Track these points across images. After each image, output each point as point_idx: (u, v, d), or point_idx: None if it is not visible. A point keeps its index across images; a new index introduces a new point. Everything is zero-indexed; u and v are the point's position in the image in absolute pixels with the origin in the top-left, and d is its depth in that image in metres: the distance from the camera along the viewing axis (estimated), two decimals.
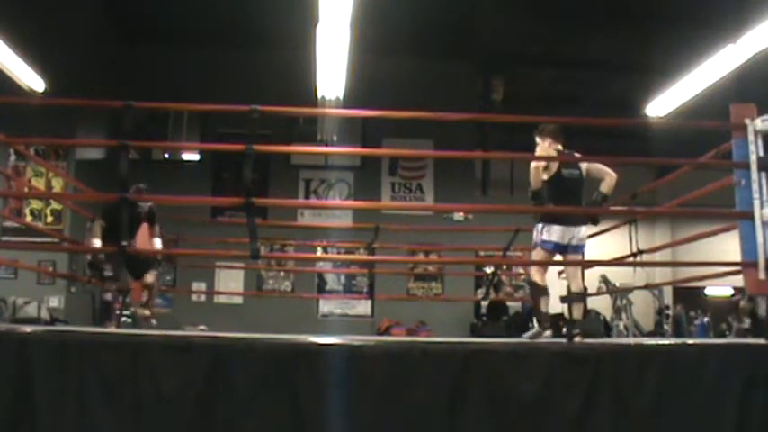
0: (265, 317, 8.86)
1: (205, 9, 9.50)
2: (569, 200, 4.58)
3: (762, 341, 3.65)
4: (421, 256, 10.07)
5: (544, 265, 4.71)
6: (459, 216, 10.80)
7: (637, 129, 12.42)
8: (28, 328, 3.69)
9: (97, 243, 5.68)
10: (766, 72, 8.29)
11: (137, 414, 3.11)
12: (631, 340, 6.34)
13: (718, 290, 14.93)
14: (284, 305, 10.16)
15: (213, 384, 3.14)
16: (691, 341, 4.31)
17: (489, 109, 10.93)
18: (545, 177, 4.64)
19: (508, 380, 3.28)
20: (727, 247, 4.63)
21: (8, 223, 8.31)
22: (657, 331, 11.12)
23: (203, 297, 10.31)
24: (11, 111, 6.58)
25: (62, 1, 8.48)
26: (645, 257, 5.95)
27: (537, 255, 4.62)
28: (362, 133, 10.88)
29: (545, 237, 4.53)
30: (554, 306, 6.45)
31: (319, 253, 10.17)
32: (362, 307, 10.75)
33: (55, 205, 8.97)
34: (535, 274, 4.66)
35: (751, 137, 4.03)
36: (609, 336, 7.81)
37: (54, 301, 8.58)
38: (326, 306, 10.90)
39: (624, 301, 8.51)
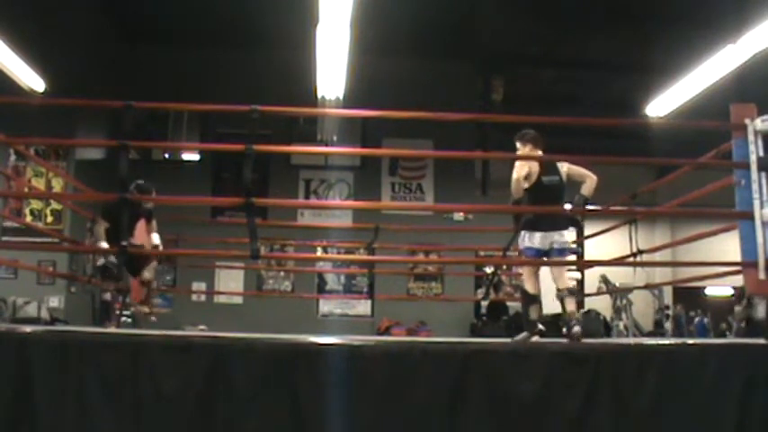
0: (265, 317, 8.87)
1: (205, 9, 9.50)
2: (550, 205, 4.66)
3: (762, 341, 3.65)
4: (421, 256, 10.07)
5: (535, 267, 4.75)
6: (459, 216, 10.80)
7: (637, 129, 12.42)
8: (28, 328, 3.69)
9: (104, 246, 5.65)
10: (766, 72, 8.29)
11: (137, 414, 3.11)
12: (631, 340, 6.34)
13: (718, 290, 14.93)
14: (284, 305, 10.16)
15: (213, 384, 3.14)
16: (691, 341, 4.31)
17: (489, 109, 10.92)
18: (526, 186, 4.69)
19: (508, 380, 3.28)
20: (727, 247, 4.63)
21: (8, 223, 8.31)
22: (657, 331, 11.12)
23: (203, 297, 10.31)
24: (11, 111, 6.58)
25: (62, 1, 8.48)
26: (645, 257, 5.95)
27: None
28: (362, 133, 10.88)
29: (527, 243, 4.61)
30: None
31: (319, 253, 10.17)
32: (362, 307, 10.75)
33: (55, 205, 8.97)
34: (527, 281, 4.70)
35: (751, 137, 4.03)
36: (609, 336, 7.81)
37: (54, 301, 8.58)
38: (326, 306, 10.90)
39: (624, 301, 8.51)
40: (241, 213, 4.34)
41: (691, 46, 8.61)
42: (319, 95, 8.38)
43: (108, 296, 6.05)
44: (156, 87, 9.92)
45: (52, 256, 8.78)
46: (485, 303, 9.98)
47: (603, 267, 8.43)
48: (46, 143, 8.77)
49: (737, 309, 10.16)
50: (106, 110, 8.02)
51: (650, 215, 12.74)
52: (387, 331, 10.11)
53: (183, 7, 9.49)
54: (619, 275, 8.42)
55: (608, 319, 9.22)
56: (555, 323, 7.33)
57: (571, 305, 4.60)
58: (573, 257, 7.48)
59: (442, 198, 10.83)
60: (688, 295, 14.47)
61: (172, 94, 6.46)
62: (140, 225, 6.00)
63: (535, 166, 4.70)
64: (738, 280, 4.37)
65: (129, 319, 6.04)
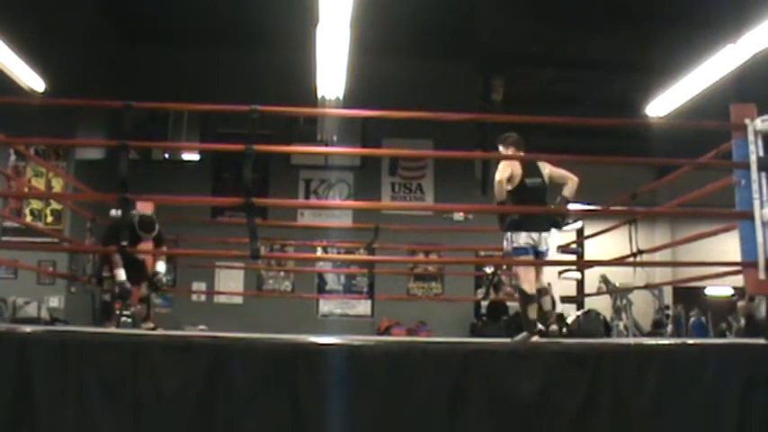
0: (265, 317, 8.87)
1: (205, 9, 9.49)
2: (534, 206, 4.75)
3: (762, 341, 3.65)
4: (421, 256, 10.07)
5: (530, 266, 4.80)
6: (459, 216, 10.79)
7: (637, 129, 12.41)
8: (28, 328, 3.69)
9: (122, 275, 5.62)
10: (766, 72, 8.28)
11: (137, 414, 3.11)
12: (631, 340, 6.34)
13: (718, 290, 14.92)
14: (284, 305, 10.16)
15: (213, 384, 3.15)
16: (691, 341, 4.31)
17: (489, 109, 10.91)
18: (509, 188, 4.74)
19: (508, 380, 3.28)
20: (728, 247, 4.63)
21: (8, 223, 8.31)
22: (657, 331, 11.12)
23: (203, 297, 10.30)
24: (11, 111, 6.58)
25: (62, 1, 8.48)
26: (645, 257, 5.96)
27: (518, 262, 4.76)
28: (362, 133, 10.88)
29: (514, 244, 4.68)
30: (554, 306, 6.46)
31: (319, 253, 10.17)
32: (362, 307, 10.74)
33: (55, 205, 8.96)
34: (524, 282, 4.74)
35: (751, 137, 4.03)
36: (609, 336, 7.81)
37: (54, 301, 8.57)
38: (326, 306, 10.89)
39: (624, 301, 8.50)
40: (241, 213, 4.34)
41: (691, 46, 8.61)
42: (319, 95, 8.37)
43: (108, 297, 6.05)
44: (156, 87, 9.91)
45: (52, 256, 8.78)
46: (485, 303, 9.97)
47: (603, 267, 8.43)
48: (46, 143, 8.77)
49: (741, 304, 10.13)
50: (106, 110, 8.02)
51: (650, 215, 12.74)
52: (387, 331, 10.10)
53: (183, 7, 9.49)
54: (619, 275, 8.42)
55: (608, 319, 9.21)
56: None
57: (547, 305, 4.73)
58: (573, 257, 7.51)
59: (442, 198, 10.83)
60: (688, 295, 14.45)
61: (172, 94, 6.46)
62: (148, 245, 5.99)
63: (518, 169, 4.75)
64: (738, 280, 4.38)
65: (129, 319, 6.03)
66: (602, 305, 8.71)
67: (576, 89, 11.58)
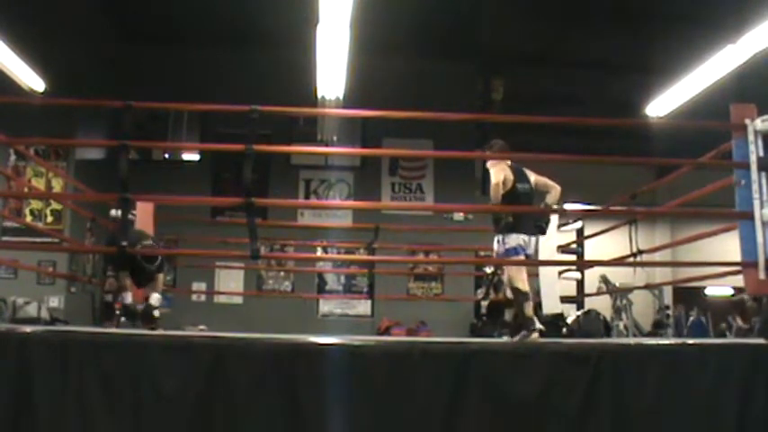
0: (265, 317, 8.87)
1: (205, 9, 9.49)
2: (524, 211, 4.90)
3: (762, 341, 3.65)
4: (421, 256, 10.07)
5: (524, 266, 4.93)
6: (459, 216, 10.79)
7: (637, 129, 12.40)
8: (28, 328, 3.69)
9: (129, 298, 5.60)
10: (766, 72, 8.28)
11: (137, 414, 3.11)
12: (631, 340, 6.34)
13: (719, 290, 14.92)
14: (284, 305, 10.16)
15: (213, 384, 3.15)
16: (691, 341, 4.32)
17: (489, 109, 10.91)
18: (502, 190, 4.87)
19: (508, 380, 3.28)
20: (728, 247, 4.63)
21: (8, 223, 8.31)
22: (658, 331, 11.11)
23: (203, 297, 10.30)
24: (11, 111, 6.59)
25: (62, 1, 8.48)
26: (645, 257, 5.96)
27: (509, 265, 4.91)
28: (362, 133, 10.88)
29: (506, 245, 4.80)
30: (554, 306, 6.48)
31: (319, 253, 10.17)
32: (362, 307, 10.74)
33: (55, 205, 8.96)
34: (518, 281, 4.82)
35: (751, 137, 4.03)
36: (609, 336, 7.80)
37: (54, 301, 8.57)
38: (326, 306, 10.89)
39: (624, 301, 8.50)
40: (241, 213, 4.34)
41: (691, 46, 8.61)
42: (319, 95, 8.37)
43: (109, 297, 6.05)
44: (156, 87, 9.90)
45: (52, 256, 8.78)
46: (485, 303, 9.97)
47: (603, 267, 8.42)
48: (46, 143, 8.77)
49: (750, 303, 10.08)
50: (106, 110, 8.01)
51: (650, 215, 12.73)
52: (387, 331, 10.10)
53: (183, 7, 9.49)
54: (619, 275, 8.43)
55: (608, 319, 9.21)
56: (555, 323, 7.34)
57: (529, 309, 4.82)
58: (573, 257, 7.50)
59: (441, 198, 10.82)
60: (688, 295, 14.44)
61: (172, 94, 6.45)
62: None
63: (510, 174, 4.91)
64: (738, 280, 4.38)
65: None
66: (602, 305, 8.71)
67: (576, 89, 11.57)
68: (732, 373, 3.34)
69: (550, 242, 6.18)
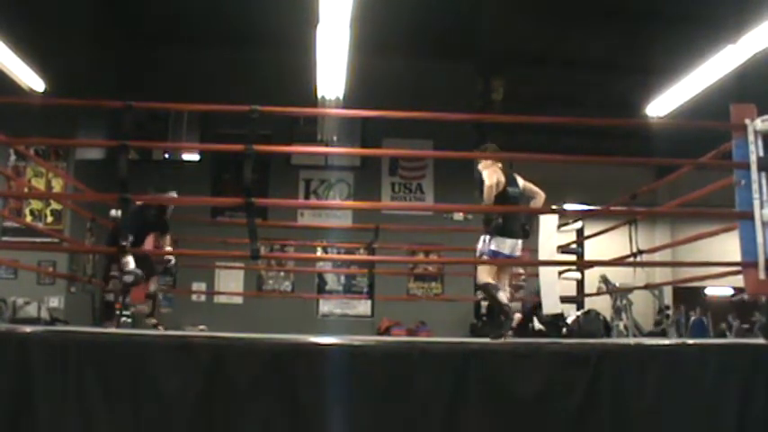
0: (265, 317, 8.87)
1: (206, 9, 9.49)
2: (513, 214, 5.04)
3: (762, 341, 3.65)
4: (421, 256, 10.07)
5: (495, 267, 5.04)
6: (459, 216, 10.79)
7: (637, 129, 12.41)
8: (28, 328, 3.69)
9: (132, 262, 5.56)
10: (766, 72, 8.28)
11: (137, 414, 3.11)
12: (631, 340, 6.34)
13: (719, 290, 14.92)
14: (284, 305, 10.16)
15: (213, 384, 3.14)
16: (691, 341, 4.32)
17: (489, 109, 10.92)
18: (495, 192, 5.00)
19: (508, 380, 3.28)
20: (728, 247, 4.63)
21: (8, 223, 8.31)
22: (658, 331, 11.10)
23: (203, 297, 10.30)
24: (11, 111, 6.59)
25: (62, 1, 8.48)
26: (645, 257, 5.95)
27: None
28: (362, 133, 10.88)
29: (496, 248, 4.92)
30: (554, 306, 6.47)
31: (319, 253, 10.17)
32: (362, 307, 10.74)
33: (55, 205, 8.97)
34: (486, 276, 4.96)
35: (751, 137, 4.03)
36: (609, 336, 7.80)
37: (54, 301, 8.58)
38: (326, 306, 10.89)
39: (624, 301, 8.49)
40: (241, 213, 4.35)
41: (691, 46, 8.61)
42: (319, 95, 8.37)
43: (111, 297, 6.06)
44: (156, 87, 9.92)
45: (52, 257, 8.78)
46: (485, 303, 9.97)
47: (603, 267, 8.42)
48: (46, 143, 8.77)
49: (764, 300, 10.05)
50: (106, 110, 8.02)
51: (650, 215, 12.73)
52: (387, 331, 10.10)
53: (182, 8, 9.49)
54: (619, 275, 8.42)
55: (608, 319, 9.20)
56: (555, 323, 7.33)
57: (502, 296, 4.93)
58: (573, 257, 7.50)
59: (441, 198, 10.83)
60: (688, 295, 14.44)
61: (172, 94, 6.45)
62: (149, 239, 6.01)
63: (501, 177, 5.02)
64: (738, 280, 4.38)
65: (129, 319, 6.04)
66: (602, 305, 8.71)
67: (576, 89, 11.58)
68: (732, 373, 3.34)
69: (550, 242, 6.18)
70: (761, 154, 4.00)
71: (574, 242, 7.77)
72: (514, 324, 4.77)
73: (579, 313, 8.11)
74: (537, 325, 7.76)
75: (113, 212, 6.08)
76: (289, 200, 10.29)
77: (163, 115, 10.67)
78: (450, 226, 10.56)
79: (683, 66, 8.75)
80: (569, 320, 7.67)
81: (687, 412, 3.30)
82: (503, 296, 4.86)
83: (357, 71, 8.20)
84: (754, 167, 3.98)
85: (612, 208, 7.03)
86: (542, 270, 6.49)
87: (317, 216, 10.41)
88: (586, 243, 8.13)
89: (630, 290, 7.75)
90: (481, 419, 3.22)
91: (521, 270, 9.56)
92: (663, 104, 9.58)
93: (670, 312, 12.28)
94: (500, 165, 5.14)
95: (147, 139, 9.09)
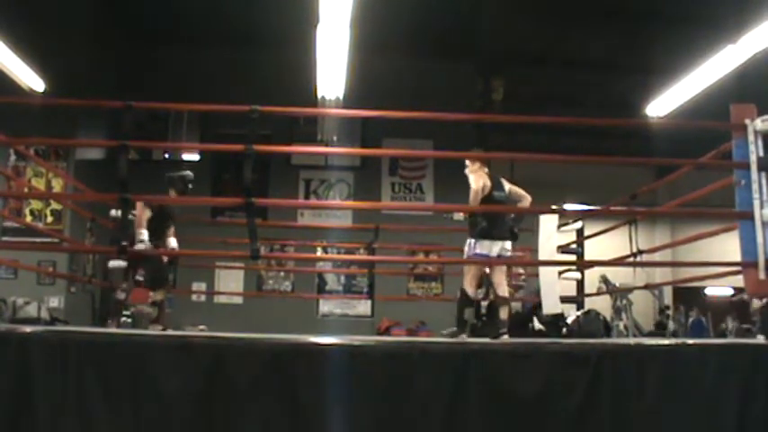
0: (265, 317, 8.85)
1: (205, 9, 9.50)
2: (498, 217, 5.10)
3: (762, 341, 3.65)
4: (421, 256, 10.07)
5: (479, 272, 5.22)
6: (459, 216, 10.76)
7: (637, 129, 12.41)
8: (28, 328, 3.69)
9: (145, 234, 5.47)
10: (766, 72, 8.28)
11: (137, 414, 3.11)
12: (631, 340, 6.34)
13: (719, 290, 14.91)
14: (284, 305, 10.15)
15: (213, 384, 3.14)
16: (691, 341, 4.32)
17: (489, 109, 10.92)
18: (480, 196, 5.11)
19: (508, 380, 3.28)
20: (728, 247, 4.63)
21: (8, 223, 8.31)
22: (659, 331, 11.10)
23: (203, 297, 10.30)
24: (11, 111, 6.59)
25: (62, 1, 8.48)
26: (645, 257, 5.95)
27: (470, 267, 5.17)
28: (362, 133, 10.89)
29: (477, 250, 5.04)
30: (554, 306, 6.47)
31: (319, 253, 10.17)
32: (362, 307, 10.74)
33: (55, 205, 8.97)
34: (469, 285, 5.12)
35: (751, 137, 4.03)
36: (609, 336, 7.80)
37: (54, 301, 8.57)
38: (326, 306, 10.89)
39: (624, 301, 8.49)
40: (241, 213, 4.34)
41: (691, 46, 8.61)
42: (319, 95, 8.37)
43: (121, 295, 6.02)
44: (156, 87, 9.92)
45: (52, 256, 8.78)
46: (484, 303, 9.96)
47: (603, 267, 8.42)
48: (46, 143, 8.77)
49: (756, 302, 10.06)
50: (106, 110, 8.02)
51: (650, 215, 12.73)
52: (387, 331, 10.10)
53: (183, 7, 9.49)
54: (619, 275, 8.42)
55: (608, 319, 9.19)
56: (555, 323, 7.32)
57: (504, 314, 5.17)
58: (573, 257, 7.50)
59: (441, 198, 10.82)
60: (688, 295, 14.44)
61: (172, 94, 6.45)
62: (171, 232, 5.98)
63: (488, 181, 5.13)
64: (738, 280, 4.37)
65: (129, 319, 6.03)
66: (602, 305, 8.70)
67: (576, 89, 11.58)
68: (732, 372, 3.34)
69: (550, 242, 6.18)
70: (761, 154, 4.00)
71: (574, 242, 7.76)
72: (504, 330, 4.83)
73: (579, 313, 8.10)
74: (537, 325, 7.74)
75: (113, 212, 6.06)
76: (289, 200, 10.29)
77: (163, 115, 10.67)
78: (450, 226, 10.52)
79: (683, 66, 8.75)
80: (569, 320, 7.66)
81: (687, 412, 3.30)
82: (468, 314, 5.06)
83: (357, 71, 8.20)
84: (754, 167, 3.98)
85: (612, 208, 7.03)
86: (542, 270, 6.49)
87: (317, 216, 10.41)
88: (586, 243, 8.13)
89: (630, 290, 7.74)
90: (481, 419, 3.22)
91: (521, 270, 9.57)
92: (663, 104, 9.58)
93: (670, 312, 12.28)
94: (486, 169, 5.25)
95: (147, 139, 9.09)
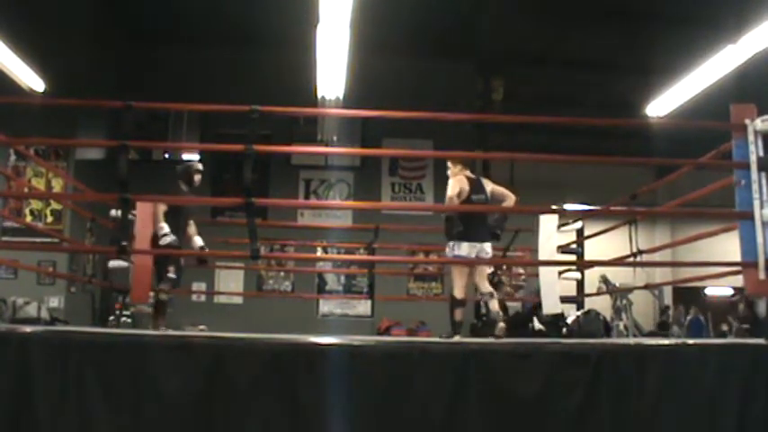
0: (265, 317, 8.85)
1: (206, 9, 9.50)
2: (478, 220, 5.09)
3: (762, 341, 3.65)
4: (421, 256, 10.06)
5: (465, 274, 5.14)
6: None
7: (637, 129, 12.42)
8: (28, 328, 3.69)
9: (166, 227, 5.52)
10: (766, 72, 8.28)
11: (137, 414, 3.11)
12: (631, 340, 6.34)
13: (719, 290, 14.92)
14: (284, 305, 10.15)
15: (213, 384, 3.14)
16: (691, 341, 4.32)
17: (489, 109, 10.92)
18: (457, 202, 5.16)
19: (508, 380, 3.28)
20: (728, 247, 4.62)
21: (8, 223, 8.31)
22: (660, 331, 11.10)
23: (203, 297, 10.29)
24: (11, 111, 6.59)
25: (62, 1, 8.48)
26: (645, 257, 5.95)
27: (455, 269, 5.15)
28: (362, 133, 10.88)
29: (456, 252, 5.04)
30: (554, 306, 6.47)
31: (319, 253, 10.17)
32: (362, 307, 10.74)
33: (55, 205, 8.97)
34: (456, 287, 5.05)
35: (751, 137, 4.03)
36: (609, 336, 7.80)
37: (54, 301, 8.57)
38: (326, 306, 10.89)
39: (624, 301, 8.49)
40: (241, 213, 4.34)
41: (691, 46, 8.61)
42: (319, 95, 8.37)
43: (165, 296, 6.02)
44: (156, 87, 9.92)
45: (52, 256, 8.77)
46: (484, 303, 9.96)
47: (603, 267, 8.42)
48: (46, 143, 8.77)
49: (742, 307, 10.12)
50: (106, 110, 8.02)
51: (650, 215, 12.73)
52: (387, 331, 10.10)
53: (183, 7, 9.50)
54: (619, 275, 8.42)
55: (608, 319, 9.19)
56: (555, 323, 7.33)
57: (495, 305, 5.11)
58: (573, 257, 7.50)
59: (441, 198, 10.75)
60: (688, 295, 14.45)
61: (172, 94, 6.45)
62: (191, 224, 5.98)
63: (466, 186, 5.16)
64: (738, 280, 4.37)
65: (129, 320, 6.03)
66: (602, 305, 8.71)
67: (576, 89, 11.58)
68: (732, 372, 3.34)
69: (550, 242, 6.18)
70: (761, 154, 3.99)
71: (574, 242, 7.77)
72: (499, 331, 4.83)
73: (579, 313, 8.10)
74: (537, 325, 7.75)
75: (113, 212, 6.07)
76: (289, 200, 10.29)
77: (163, 115, 10.67)
78: None
79: (683, 66, 8.75)
80: (569, 320, 7.66)
81: (687, 412, 3.30)
82: (459, 315, 4.98)
83: (357, 71, 8.20)
84: (754, 167, 3.98)
85: (612, 208, 7.02)
86: (542, 270, 6.49)
87: (317, 216, 10.41)
88: (586, 243, 8.13)
89: (630, 290, 7.74)
90: (481, 419, 3.22)
91: (521, 270, 9.57)
92: (663, 104, 9.58)
93: (671, 312, 12.29)
94: (467, 173, 5.27)
95: (147, 139, 9.08)
